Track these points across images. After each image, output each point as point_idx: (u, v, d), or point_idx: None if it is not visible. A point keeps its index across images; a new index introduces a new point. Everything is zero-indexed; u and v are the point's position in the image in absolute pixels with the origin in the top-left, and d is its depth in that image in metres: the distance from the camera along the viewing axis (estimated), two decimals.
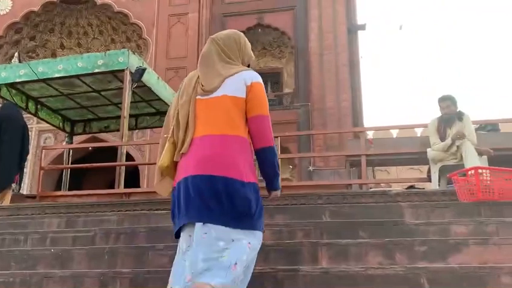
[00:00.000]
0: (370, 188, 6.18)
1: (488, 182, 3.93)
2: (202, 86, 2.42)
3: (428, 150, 5.33)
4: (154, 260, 3.31)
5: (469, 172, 4.03)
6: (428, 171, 5.38)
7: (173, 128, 2.46)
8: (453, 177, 4.15)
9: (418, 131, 10.86)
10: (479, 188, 3.87)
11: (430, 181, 5.32)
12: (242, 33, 2.63)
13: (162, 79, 15.63)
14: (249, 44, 2.63)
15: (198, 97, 2.42)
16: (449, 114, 5.28)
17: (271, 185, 2.52)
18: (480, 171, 3.93)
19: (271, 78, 16.86)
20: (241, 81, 2.40)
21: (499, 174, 3.98)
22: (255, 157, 2.41)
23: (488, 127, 6.17)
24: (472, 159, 4.77)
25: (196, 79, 2.48)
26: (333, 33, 15.10)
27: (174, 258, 2.38)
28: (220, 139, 2.30)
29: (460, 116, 5.26)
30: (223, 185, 2.22)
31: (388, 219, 3.69)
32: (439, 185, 5.14)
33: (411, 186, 5.82)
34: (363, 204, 4.25)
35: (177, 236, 2.38)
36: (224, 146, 2.29)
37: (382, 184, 6.66)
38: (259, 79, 2.47)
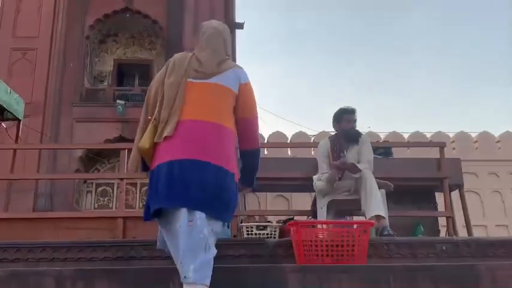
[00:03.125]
0: (241, 222, 4.95)
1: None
2: (199, 68, 2.43)
3: (314, 178, 4.23)
4: None
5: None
6: (314, 203, 4.30)
7: (157, 110, 2.39)
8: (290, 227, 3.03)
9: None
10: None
11: (315, 216, 4.23)
12: None
13: (7, 60, 13.44)
14: None
15: (190, 80, 2.41)
16: (350, 133, 4.20)
17: (250, 182, 2.60)
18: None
19: (139, 71, 15.04)
20: (236, 77, 2.46)
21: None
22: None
23: (379, 150, 5.31)
24: (375, 195, 3.74)
25: (188, 61, 2.47)
26: None
27: None
28: (214, 127, 2.31)
29: (356, 138, 4.22)
30: (214, 173, 2.24)
31: None
32: None
33: (291, 220, 4.71)
34: (227, 265, 2.92)
35: (148, 219, 2.35)
36: (218, 134, 2.31)
37: (256, 217, 5.56)
38: (249, 79, 2.53)
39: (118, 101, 12.85)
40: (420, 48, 45.49)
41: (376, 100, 44.88)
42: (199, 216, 2.18)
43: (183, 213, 2.18)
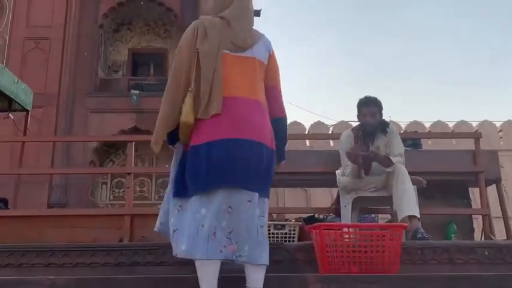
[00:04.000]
0: None
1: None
2: (234, 40, 2.32)
3: (337, 173, 3.86)
4: None
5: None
6: (337, 201, 3.94)
7: (194, 80, 2.27)
8: (312, 230, 2.67)
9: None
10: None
11: (339, 215, 3.87)
12: None
13: (20, 50, 13.25)
14: None
15: (226, 51, 2.30)
16: (373, 125, 3.86)
17: (282, 155, 2.47)
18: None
19: (154, 60, 14.74)
20: (265, 47, 2.42)
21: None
22: None
23: (408, 142, 4.91)
24: (409, 193, 3.38)
25: (220, 28, 2.32)
26: None
27: None
28: (256, 104, 2.28)
29: (383, 128, 3.83)
30: (268, 155, 2.24)
31: None
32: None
33: (311, 217, 4.37)
34: (241, 274, 2.62)
35: (184, 195, 2.25)
36: (261, 112, 2.28)
37: (273, 215, 5.21)
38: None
39: (133, 90, 12.58)
40: (438, 34, 44.41)
41: (394, 88, 44.05)
42: (256, 196, 2.21)
43: (242, 193, 2.16)
